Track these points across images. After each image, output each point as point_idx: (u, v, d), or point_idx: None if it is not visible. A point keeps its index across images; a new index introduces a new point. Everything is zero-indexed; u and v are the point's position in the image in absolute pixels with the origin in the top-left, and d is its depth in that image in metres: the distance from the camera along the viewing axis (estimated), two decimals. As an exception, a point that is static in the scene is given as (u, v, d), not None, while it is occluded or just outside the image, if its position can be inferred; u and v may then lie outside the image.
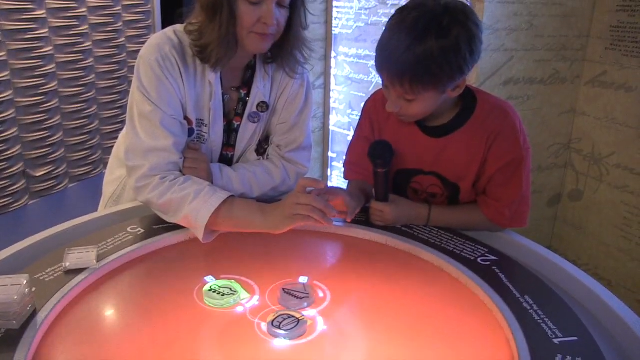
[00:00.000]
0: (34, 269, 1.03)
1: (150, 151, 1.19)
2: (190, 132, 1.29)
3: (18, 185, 2.56)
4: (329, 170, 2.94)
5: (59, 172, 2.79)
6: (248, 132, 1.36)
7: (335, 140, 2.87)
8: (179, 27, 1.26)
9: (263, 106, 1.35)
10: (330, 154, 2.90)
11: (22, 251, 1.10)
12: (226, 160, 1.39)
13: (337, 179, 2.91)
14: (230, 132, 1.36)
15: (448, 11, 1.06)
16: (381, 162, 1.23)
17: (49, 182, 2.74)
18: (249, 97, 1.34)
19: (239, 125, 1.35)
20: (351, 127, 2.75)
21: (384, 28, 1.14)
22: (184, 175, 1.22)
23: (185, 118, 1.27)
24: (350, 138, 2.37)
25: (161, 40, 1.23)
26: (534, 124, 2.27)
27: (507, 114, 1.21)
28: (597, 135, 2.25)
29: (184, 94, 1.25)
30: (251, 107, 1.34)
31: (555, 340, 0.87)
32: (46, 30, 2.61)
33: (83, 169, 2.91)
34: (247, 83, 1.34)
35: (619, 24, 2.11)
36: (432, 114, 1.21)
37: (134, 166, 1.20)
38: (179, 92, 1.23)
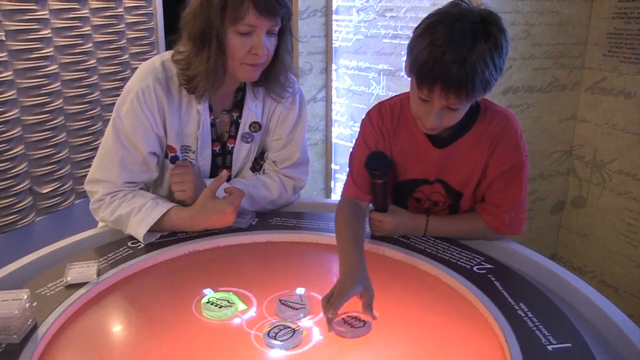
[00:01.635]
0: (35, 284, 1.05)
1: (101, 181, 1.28)
2: (174, 159, 1.33)
3: (25, 203, 2.58)
4: (332, 182, 2.95)
5: (65, 188, 2.81)
6: (242, 153, 1.39)
7: (337, 153, 2.88)
8: (167, 55, 1.29)
9: (255, 126, 1.37)
10: (333, 166, 2.91)
11: (24, 267, 1.12)
12: None
13: (340, 190, 2.91)
14: (225, 154, 1.38)
15: (480, 15, 1.07)
16: (379, 173, 1.24)
17: (56, 199, 2.77)
18: (241, 118, 1.36)
19: (233, 147, 1.38)
20: (353, 139, 2.75)
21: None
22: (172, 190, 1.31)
23: (168, 146, 1.31)
24: None
25: (146, 72, 1.26)
26: (534, 132, 2.28)
27: (509, 119, 1.23)
28: (598, 142, 2.25)
29: (163, 127, 1.28)
30: (244, 128, 1.36)
31: (549, 347, 0.88)
32: (51, 49, 2.65)
33: (89, 185, 2.94)
34: (238, 105, 1.37)
35: (615, 31, 2.12)
36: None
37: (90, 191, 1.30)
38: (155, 125, 1.26)
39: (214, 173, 1.39)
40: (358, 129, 2.67)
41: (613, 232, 2.23)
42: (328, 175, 2.95)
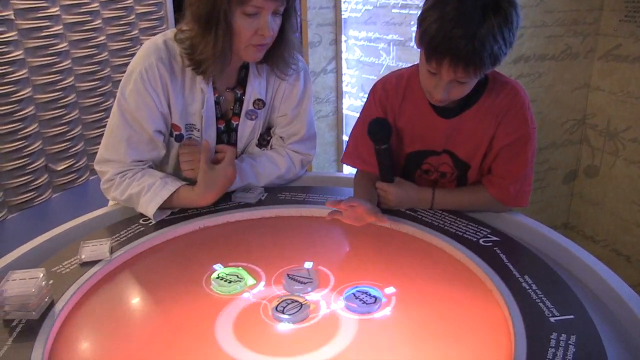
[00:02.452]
0: (51, 263, 1.08)
1: (110, 161, 1.29)
2: (179, 137, 1.34)
3: (41, 180, 2.63)
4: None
5: (79, 165, 2.85)
6: (247, 130, 1.39)
7: (349, 124, 2.88)
8: (170, 34, 1.29)
9: (259, 103, 1.38)
10: (344, 138, 2.91)
11: (40, 246, 1.15)
12: None
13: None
14: (230, 132, 1.39)
15: None
16: (381, 137, 1.25)
17: (71, 176, 2.81)
18: (244, 96, 1.36)
19: (237, 125, 1.38)
20: (364, 111, 2.75)
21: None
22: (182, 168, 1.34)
23: (172, 125, 1.32)
24: None
25: (148, 51, 1.26)
26: (546, 101, 2.25)
27: (517, 92, 1.22)
28: (612, 110, 2.22)
29: (167, 105, 1.29)
30: (247, 105, 1.37)
31: (552, 319, 0.89)
32: (60, 27, 2.66)
33: (104, 161, 2.98)
34: (242, 82, 1.37)
35: (632, -5, 2.07)
36: None
37: (99, 171, 1.32)
38: (159, 104, 1.27)
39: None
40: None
41: (626, 201, 2.22)
42: (339, 146, 2.95)
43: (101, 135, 1.34)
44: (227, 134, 1.40)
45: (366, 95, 2.62)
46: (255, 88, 1.36)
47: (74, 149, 2.80)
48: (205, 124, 1.33)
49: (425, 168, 1.32)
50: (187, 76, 1.28)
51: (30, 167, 2.56)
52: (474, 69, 1.07)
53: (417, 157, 1.32)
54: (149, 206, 1.23)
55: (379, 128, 1.25)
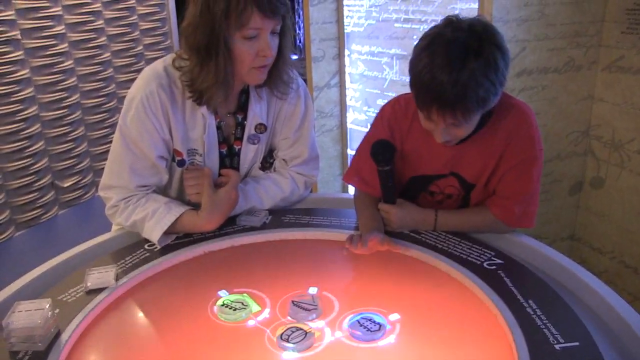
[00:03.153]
0: (57, 290, 1.08)
1: (114, 187, 1.31)
2: (181, 163, 1.35)
3: (47, 197, 2.65)
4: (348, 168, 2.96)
5: (85, 181, 2.88)
6: (249, 154, 1.40)
7: (353, 138, 2.88)
8: (169, 59, 1.29)
9: (261, 127, 1.38)
10: (349, 151, 2.91)
11: (45, 273, 1.16)
12: None
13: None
14: (232, 156, 1.40)
15: (474, 32, 1.07)
16: (383, 158, 1.26)
17: (77, 192, 2.83)
18: (246, 120, 1.37)
19: (239, 149, 1.39)
20: (368, 124, 2.75)
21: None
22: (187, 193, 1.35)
23: (174, 150, 1.33)
24: None
25: (149, 78, 1.26)
26: (550, 113, 2.25)
27: (525, 114, 1.23)
28: (616, 121, 2.22)
29: (169, 131, 1.30)
30: (249, 130, 1.37)
31: (557, 346, 0.89)
32: (66, 45, 2.68)
33: (109, 176, 3.00)
34: (242, 107, 1.37)
35: (634, 7, 2.06)
36: None
37: (104, 197, 1.33)
38: (161, 130, 1.28)
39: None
40: (373, 114, 2.68)
41: (632, 213, 2.21)
42: (344, 160, 2.96)
43: (107, 152, 1.35)
44: (229, 158, 1.40)
45: (370, 109, 2.63)
46: (256, 113, 1.36)
47: (80, 166, 2.82)
48: (208, 149, 1.34)
49: (431, 190, 1.33)
50: (188, 102, 1.29)
51: (36, 184, 2.58)
52: (462, 114, 1.09)
53: (424, 181, 1.32)
54: (153, 232, 1.24)
55: (382, 149, 1.26)
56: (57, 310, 1.00)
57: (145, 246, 1.25)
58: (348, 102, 2.83)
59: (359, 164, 1.37)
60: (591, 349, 0.88)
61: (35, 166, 2.56)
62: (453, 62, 1.05)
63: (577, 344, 0.89)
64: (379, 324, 0.98)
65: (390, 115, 1.32)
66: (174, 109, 1.28)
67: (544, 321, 0.95)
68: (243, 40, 1.19)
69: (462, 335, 0.97)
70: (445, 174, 1.29)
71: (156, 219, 1.24)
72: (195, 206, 1.32)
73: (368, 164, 1.30)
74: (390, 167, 1.26)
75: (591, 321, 0.98)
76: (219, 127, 1.35)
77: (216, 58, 1.19)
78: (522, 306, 0.99)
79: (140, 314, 1.09)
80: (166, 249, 1.24)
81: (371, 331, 0.97)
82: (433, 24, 1.15)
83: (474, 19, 1.10)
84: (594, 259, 2.42)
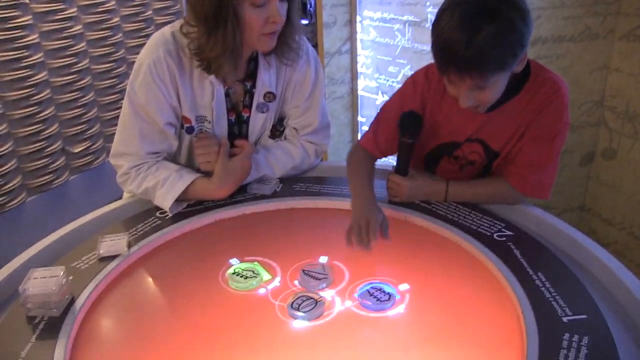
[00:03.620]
0: (70, 258, 1.10)
1: (125, 154, 1.31)
2: (190, 130, 1.35)
3: (58, 163, 2.66)
4: (359, 135, 2.95)
5: (96, 147, 2.89)
6: (258, 123, 1.39)
7: (364, 105, 2.86)
8: (177, 25, 1.28)
9: (270, 96, 1.37)
10: (359, 119, 2.90)
11: (59, 240, 1.17)
12: None
13: (366, 143, 2.92)
14: (241, 124, 1.40)
15: None
16: (412, 131, 1.25)
17: (88, 158, 2.84)
18: (254, 88, 1.36)
19: (248, 117, 1.38)
20: (379, 92, 2.74)
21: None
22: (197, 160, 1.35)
23: (182, 117, 1.32)
24: (378, 102, 2.35)
25: (156, 44, 1.25)
26: (564, 83, 2.22)
27: (559, 88, 1.22)
28: (631, 92, 2.18)
29: (176, 98, 1.29)
30: (258, 98, 1.37)
31: (565, 319, 0.89)
32: (75, 9, 2.66)
33: (120, 142, 3.01)
34: (251, 75, 1.36)
35: (655, -26, 2.01)
36: None
37: (115, 165, 1.34)
38: (169, 97, 1.28)
39: (231, 144, 1.40)
40: (384, 81, 2.65)
41: (644, 184, 2.20)
42: (354, 127, 2.94)
43: (117, 117, 1.35)
44: (238, 126, 1.40)
45: (381, 77, 2.59)
46: (265, 81, 1.35)
47: (90, 131, 2.83)
48: (216, 116, 1.33)
49: (455, 154, 1.32)
50: (196, 68, 1.28)
51: (47, 150, 2.59)
52: (479, 75, 1.08)
53: (451, 147, 1.32)
54: (165, 199, 1.24)
55: (413, 122, 1.26)
56: (70, 277, 1.02)
57: (157, 214, 1.26)
58: (359, 69, 2.80)
59: (377, 130, 1.34)
60: (599, 322, 0.88)
61: (46, 132, 2.57)
62: (467, 23, 1.04)
63: (584, 316, 0.90)
64: (388, 293, 0.99)
65: (423, 84, 1.29)
66: (182, 76, 1.27)
67: (553, 294, 0.95)
68: (252, 7, 1.17)
69: (471, 306, 0.98)
70: (471, 139, 1.29)
71: (168, 187, 1.25)
72: (206, 174, 1.32)
73: (388, 131, 1.30)
74: (414, 140, 1.26)
75: (599, 294, 0.99)
76: (227, 95, 1.34)
77: (224, 27, 1.17)
78: (531, 278, 0.99)
79: (152, 282, 1.11)
80: (177, 217, 1.25)
81: (381, 301, 0.98)
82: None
83: None
84: (604, 230, 2.42)
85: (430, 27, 1.12)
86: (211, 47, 1.20)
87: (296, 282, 1.05)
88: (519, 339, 0.88)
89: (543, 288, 0.97)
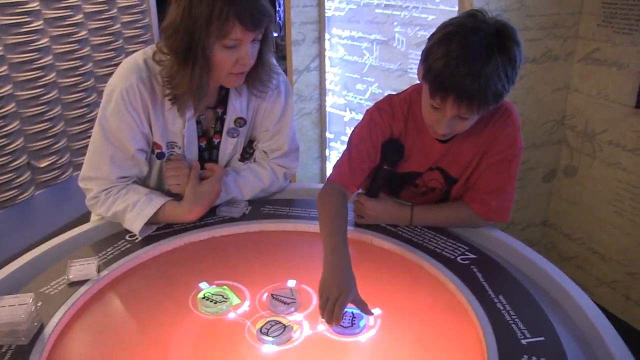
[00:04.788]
0: (39, 283, 1.09)
1: (95, 178, 1.30)
2: (160, 155, 1.36)
3: (23, 177, 2.62)
4: (327, 151, 2.98)
5: (62, 162, 2.85)
6: (229, 147, 1.41)
7: (332, 121, 2.90)
8: (149, 52, 1.28)
9: (240, 121, 1.39)
10: (327, 135, 2.93)
11: (26, 265, 1.16)
12: None
13: (335, 158, 2.94)
14: (211, 149, 1.41)
15: (497, 27, 1.08)
16: (395, 159, 1.29)
17: (54, 172, 2.81)
18: (225, 115, 1.38)
19: (219, 142, 1.40)
20: (347, 109, 2.78)
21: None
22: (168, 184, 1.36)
23: (154, 143, 1.33)
24: (346, 119, 2.34)
25: (129, 71, 1.25)
26: (527, 102, 2.29)
27: (510, 113, 1.26)
28: (590, 112, 2.27)
29: (148, 125, 1.30)
30: (229, 124, 1.38)
31: (523, 341, 0.93)
32: (41, 22, 2.63)
33: (86, 156, 2.98)
34: (222, 101, 1.38)
35: (610, 0, 2.10)
36: None
37: (84, 188, 1.33)
38: (140, 124, 1.28)
39: (201, 168, 1.42)
40: (352, 98, 2.69)
41: (602, 201, 2.28)
42: (322, 143, 2.98)
43: (84, 131, 1.36)
44: (208, 152, 1.41)
45: (349, 94, 2.63)
46: (236, 107, 1.37)
47: (56, 146, 2.79)
48: (187, 142, 1.34)
49: (417, 182, 1.36)
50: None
51: (12, 164, 2.56)
52: (477, 106, 1.10)
53: (411, 177, 1.35)
54: (134, 223, 1.25)
55: (396, 150, 1.29)
56: (39, 304, 1.02)
57: (127, 237, 1.27)
58: (327, 86, 2.84)
59: (354, 167, 1.30)
60: (555, 343, 0.93)
61: (11, 146, 2.53)
62: (478, 54, 1.06)
63: (542, 338, 0.94)
64: (358, 318, 1.02)
65: (389, 113, 1.30)
66: (154, 103, 1.28)
67: (513, 316, 0.99)
68: (223, 48, 1.18)
69: (436, 330, 1.01)
70: (431, 168, 1.32)
71: (137, 211, 1.25)
72: (176, 197, 1.33)
73: (364, 165, 1.30)
74: (393, 167, 1.30)
75: (557, 316, 1.03)
76: (198, 122, 1.36)
77: (192, 66, 1.18)
78: (493, 301, 1.03)
79: (123, 307, 1.11)
80: (147, 240, 1.25)
81: (351, 326, 1.00)
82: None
83: (497, 16, 1.12)
84: (564, 245, 2.50)
85: (428, 47, 1.13)
86: (179, 81, 1.21)
87: (267, 308, 1.07)
88: (481, 361, 0.92)
89: (504, 311, 1.01)
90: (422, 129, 1.28)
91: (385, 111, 1.31)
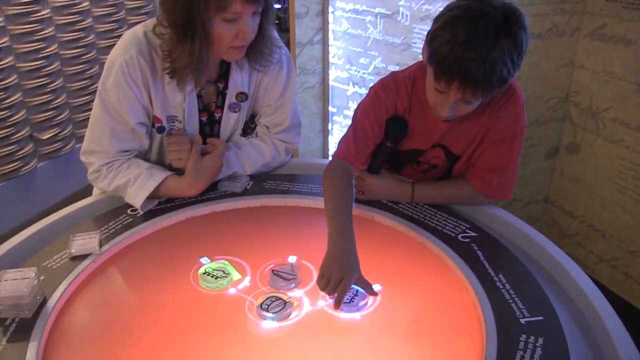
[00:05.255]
0: (41, 257, 1.10)
1: (96, 152, 1.30)
2: (161, 129, 1.35)
3: (26, 150, 2.62)
4: (329, 125, 2.97)
5: (65, 133, 2.85)
6: (231, 122, 1.41)
7: (335, 95, 2.88)
8: (150, 25, 1.26)
9: (242, 96, 1.38)
10: (330, 109, 2.92)
11: (29, 238, 1.17)
12: None
13: (337, 132, 2.94)
14: (212, 124, 1.40)
15: (504, 11, 1.07)
16: (399, 136, 1.29)
17: (57, 144, 2.81)
18: (227, 89, 1.37)
19: (220, 117, 1.40)
20: (350, 82, 2.76)
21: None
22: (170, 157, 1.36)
23: (154, 117, 1.33)
24: (349, 93, 2.31)
25: (129, 43, 1.24)
26: (531, 79, 2.27)
27: (514, 92, 1.25)
28: (595, 89, 2.25)
29: (148, 98, 1.29)
30: (230, 99, 1.38)
31: (522, 320, 0.94)
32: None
33: (89, 128, 2.97)
34: (223, 75, 1.36)
35: (619, -26, 2.07)
36: None
37: (86, 162, 1.33)
38: (141, 97, 1.28)
39: (203, 143, 1.42)
40: (355, 72, 2.67)
41: (604, 179, 2.28)
42: (325, 117, 2.97)
43: (86, 103, 1.36)
44: (209, 126, 1.41)
45: (352, 67, 2.61)
46: (237, 82, 1.36)
47: (59, 118, 2.79)
48: (188, 116, 1.34)
49: (419, 159, 1.35)
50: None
51: (14, 136, 2.55)
52: (482, 91, 1.10)
53: (414, 154, 1.35)
54: (136, 198, 1.25)
55: (400, 128, 1.29)
56: (42, 277, 1.03)
57: (128, 211, 1.27)
58: (331, 60, 2.81)
59: (358, 141, 1.30)
60: (554, 323, 0.93)
61: (13, 118, 2.53)
62: (483, 39, 1.04)
63: (541, 318, 0.94)
64: (360, 295, 1.02)
65: (393, 91, 1.29)
66: (154, 76, 1.27)
67: (512, 295, 1.00)
68: (223, 22, 1.17)
69: (436, 308, 1.02)
70: (434, 145, 1.32)
71: (139, 185, 1.26)
72: (177, 171, 1.33)
73: (368, 142, 1.30)
74: (396, 145, 1.30)
75: (557, 295, 1.04)
76: (199, 96, 1.35)
77: (192, 40, 1.17)
78: (493, 280, 1.04)
79: (124, 282, 1.12)
80: (148, 215, 1.26)
81: (352, 303, 1.01)
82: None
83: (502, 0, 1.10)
84: (566, 222, 2.50)
85: (433, 30, 1.12)
86: (177, 55, 1.20)
87: (267, 284, 1.07)
88: (480, 340, 0.93)
89: (503, 290, 1.01)
90: (425, 107, 1.27)
91: (389, 88, 1.29)
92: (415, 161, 1.36)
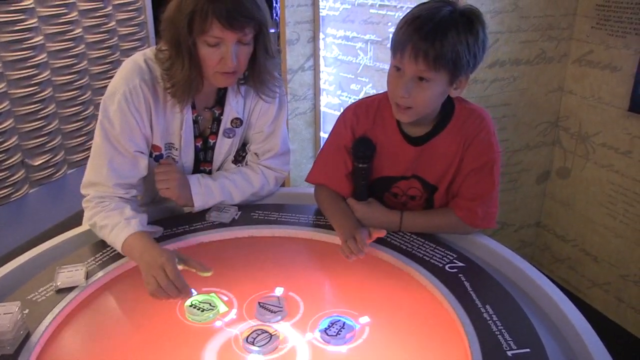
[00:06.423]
0: (26, 290, 1.09)
1: (94, 184, 1.29)
2: (158, 157, 1.36)
3: (17, 176, 2.61)
4: (321, 150, 2.98)
5: (57, 159, 2.84)
6: (224, 148, 1.42)
7: (326, 121, 2.90)
8: (149, 53, 1.29)
9: (237, 122, 1.40)
10: (322, 134, 2.93)
11: (14, 271, 1.16)
12: None
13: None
14: (207, 149, 1.41)
15: (464, 9, 1.15)
16: (365, 155, 1.30)
17: (48, 170, 2.80)
18: (222, 115, 1.38)
19: (214, 143, 1.40)
20: (341, 108, 2.76)
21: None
22: (158, 189, 1.35)
23: (153, 146, 1.33)
24: None
25: (132, 72, 1.26)
26: (520, 104, 2.29)
27: (483, 118, 1.27)
28: (583, 114, 2.27)
29: (149, 127, 1.30)
30: (225, 124, 1.39)
31: (509, 352, 0.93)
32: (35, 20, 2.61)
33: (81, 154, 2.96)
34: (220, 102, 1.38)
35: (604, 3, 2.10)
36: (417, 121, 1.25)
37: (84, 194, 1.31)
38: (143, 126, 1.28)
39: (196, 168, 1.43)
40: (347, 98, 2.69)
41: (595, 203, 2.29)
42: (316, 143, 2.98)
43: (78, 129, 1.36)
44: (204, 152, 1.41)
45: (344, 94, 2.64)
46: (233, 107, 1.38)
47: (51, 144, 2.79)
48: (184, 143, 1.35)
49: (394, 191, 1.36)
50: (169, 97, 1.29)
51: (6, 162, 2.55)
52: (434, 58, 1.12)
53: (386, 182, 1.35)
54: (115, 245, 1.21)
55: (364, 147, 1.30)
56: (26, 311, 1.02)
57: (115, 243, 1.26)
58: (322, 86, 2.83)
59: (325, 166, 1.39)
60: (540, 355, 0.93)
61: (5, 144, 2.52)
62: (438, 15, 1.12)
63: (527, 350, 0.94)
64: (347, 328, 1.01)
65: (352, 118, 1.34)
66: (156, 104, 1.28)
67: (499, 327, 0.99)
68: (206, 45, 1.20)
69: (423, 340, 1.01)
70: (407, 176, 1.33)
71: (115, 234, 1.21)
72: (167, 201, 1.33)
73: (336, 165, 1.34)
74: (368, 165, 1.30)
75: (544, 326, 1.04)
76: (195, 122, 1.36)
77: (182, 60, 1.21)
78: (480, 311, 1.03)
79: (110, 315, 1.11)
80: (136, 246, 1.25)
81: (339, 336, 1.00)
82: (407, 11, 1.20)
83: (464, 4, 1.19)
84: (557, 246, 2.50)
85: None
86: (174, 72, 1.23)
87: (254, 316, 1.07)
88: (466, 373, 0.92)
89: (490, 321, 1.01)
90: (390, 132, 1.30)
91: (348, 119, 1.35)
92: (390, 192, 1.36)
